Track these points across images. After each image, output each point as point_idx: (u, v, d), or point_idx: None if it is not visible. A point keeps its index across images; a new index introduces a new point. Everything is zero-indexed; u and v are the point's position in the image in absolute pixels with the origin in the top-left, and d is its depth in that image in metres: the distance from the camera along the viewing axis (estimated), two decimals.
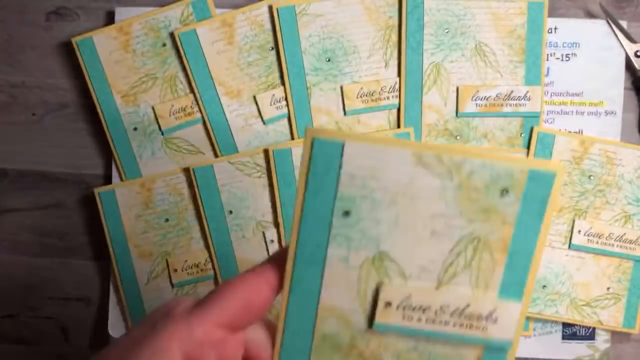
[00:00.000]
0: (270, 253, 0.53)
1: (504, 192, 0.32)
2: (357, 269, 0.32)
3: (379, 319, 0.32)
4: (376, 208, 0.32)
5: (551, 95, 0.57)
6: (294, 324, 0.33)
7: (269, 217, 0.57)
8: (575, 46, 0.57)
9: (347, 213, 0.32)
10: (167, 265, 0.57)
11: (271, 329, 0.33)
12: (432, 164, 0.31)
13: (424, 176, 0.31)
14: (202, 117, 0.57)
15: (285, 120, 0.57)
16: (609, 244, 0.55)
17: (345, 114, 0.57)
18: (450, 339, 0.32)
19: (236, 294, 0.30)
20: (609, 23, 0.56)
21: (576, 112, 0.57)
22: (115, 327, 0.58)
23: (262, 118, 0.57)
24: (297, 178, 0.33)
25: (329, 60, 0.56)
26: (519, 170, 0.31)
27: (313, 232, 0.32)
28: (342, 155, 0.31)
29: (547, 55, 0.57)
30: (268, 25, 0.56)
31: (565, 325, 0.57)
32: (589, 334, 0.57)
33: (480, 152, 0.33)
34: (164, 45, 0.57)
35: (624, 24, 0.56)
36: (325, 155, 0.31)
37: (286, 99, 0.57)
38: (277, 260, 0.32)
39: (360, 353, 0.33)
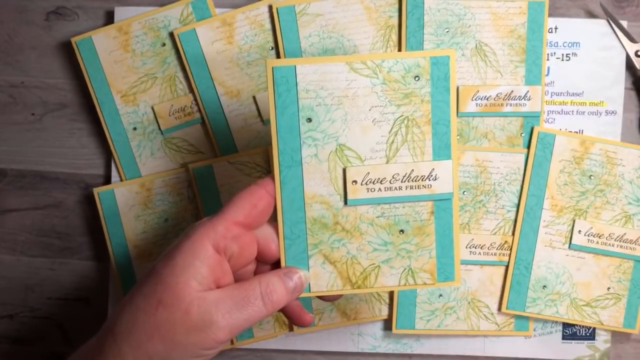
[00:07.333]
0: None
1: (416, 78, 0.41)
2: (326, 162, 0.41)
3: (350, 195, 0.41)
4: (329, 111, 0.41)
5: (551, 95, 0.57)
6: (289, 215, 0.42)
7: None
8: (576, 46, 0.57)
9: (309, 120, 0.41)
10: None
11: (276, 228, 0.42)
12: (361, 68, 0.41)
13: (357, 79, 0.41)
14: (202, 117, 0.57)
15: None
16: (610, 244, 0.55)
17: None
18: (406, 200, 0.42)
19: (245, 200, 0.40)
20: (609, 23, 0.56)
21: (576, 111, 0.57)
22: None
23: (261, 118, 0.57)
24: (268, 101, 0.41)
25: None
26: (423, 59, 0.41)
27: (288, 140, 0.41)
28: (296, 75, 0.41)
29: (548, 55, 0.56)
30: (268, 25, 0.56)
31: (566, 325, 0.57)
32: (589, 334, 0.57)
33: (393, 53, 0.46)
34: (164, 45, 0.57)
35: (624, 23, 0.56)
36: (284, 78, 0.41)
37: None
38: (273, 175, 0.41)
39: (343, 227, 0.42)
